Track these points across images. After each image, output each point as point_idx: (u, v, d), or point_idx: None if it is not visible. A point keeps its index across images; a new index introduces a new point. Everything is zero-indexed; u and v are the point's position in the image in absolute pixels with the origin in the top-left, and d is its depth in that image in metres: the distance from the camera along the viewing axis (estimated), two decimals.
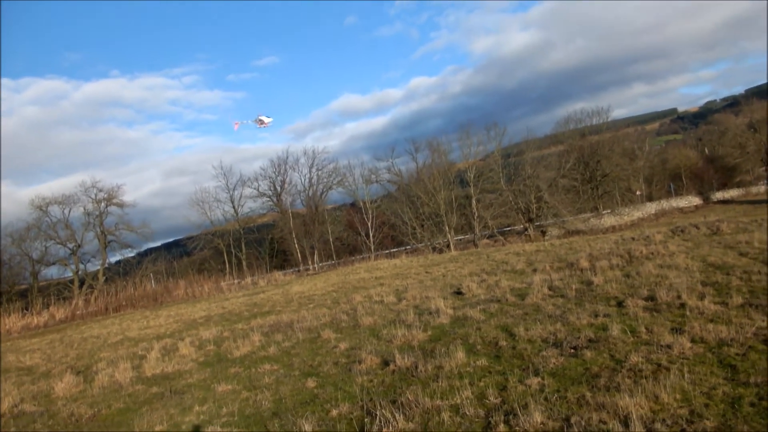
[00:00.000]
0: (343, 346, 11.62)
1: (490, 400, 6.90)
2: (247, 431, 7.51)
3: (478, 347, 9.59)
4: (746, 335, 7.69)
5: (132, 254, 60.18)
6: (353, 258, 53.48)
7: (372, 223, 58.28)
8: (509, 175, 60.63)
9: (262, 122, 37.14)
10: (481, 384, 7.56)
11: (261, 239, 67.58)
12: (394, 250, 55.73)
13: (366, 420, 6.92)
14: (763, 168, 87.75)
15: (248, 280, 46.16)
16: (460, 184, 59.99)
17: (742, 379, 6.28)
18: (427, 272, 24.76)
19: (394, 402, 7.32)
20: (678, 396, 6.07)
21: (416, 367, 8.83)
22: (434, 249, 50.84)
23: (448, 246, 51.54)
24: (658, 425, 5.44)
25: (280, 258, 65.63)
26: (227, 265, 61.51)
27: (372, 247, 57.30)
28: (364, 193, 62.92)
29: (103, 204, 56.55)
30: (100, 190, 56.25)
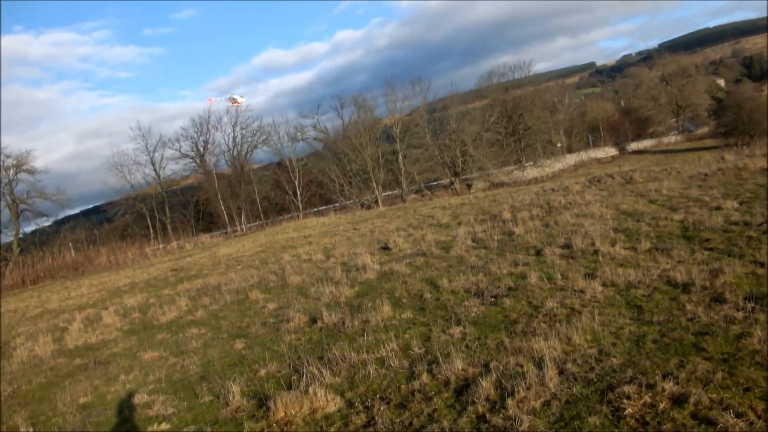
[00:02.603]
0: (271, 306, 11.62)
1: (414, 351, 7.10)
2: (174, 397, 7.45)
3: (404, 300, 9.80)
4: (652, 278, 8.18)
5: (48, 223, 57.66)
6: (281, 217, 53.08)
7: (299, 181, 57.76)
8: (435, 130, 61.12)
9: (235, 101, 35.76)
10: (407, 336, 7.77)
11: (186, 202, 65.75)
12: (323, 208, 55.64)
13: (293, 378, 6.99)
14: (674, 119, 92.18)
15: (174, 244, 45.13)
16: (387, 140, 60.12)
17: (646, 319, 6.71)
18: (354, 229, 24.90)
19: (321, 358, 7.43)
20: (588, 337, 6.43)
21: (343, 323, 8.96)
22: (362, 205, 51.05)
23: (376, 202, 51.88)
24: (569, 365, 5.76)
25: (206, 220, 64.25)
26: (151, 230, 59.75)
27: (300, 206, 56.95)
28: (291, 152, 62.16)
29: (12, 171, 53.43)
30: (8, 156, 53.03)
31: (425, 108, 61.87)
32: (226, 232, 52.97)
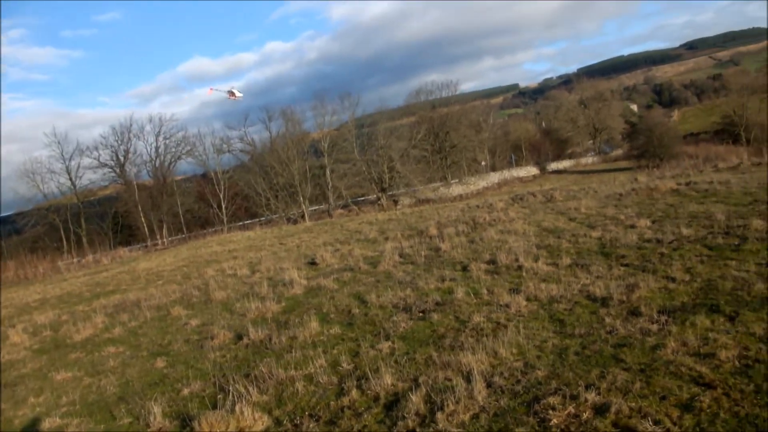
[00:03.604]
0: (194, 322, 11.28)
1: (343, 367, 7.05)
2: (89, 419, 7.08)
3: (332, 316, 9.74)
4: (573, 292, 8.48)
5: None
6: (205, 231, 51.82)
7: (224, 194, 56.62)
8: (363, 145, 61.41)
9: (233, 94, 34.93)
10: (335, 352, 7.70)
11: (103, 213, 62.78)
12: (248, 222, 54.64)
13: (219, 396, 6.79)
14: (591, 141, 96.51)
15: (90, 258, 43.08)
16: (315, 154, 59.94)
17: (568, 332, 6.94)
18: (281, 243, 24.61)
19: (247, 376, 7.26)
20: (514, 350, 6.58)
21: (270, 340, 8.80)
22: (289, 220, 50.54)
23: (303, 216, 51.48)
24: (497, 378, 5.87)
25: (125, 233, 61.66)
26: (65, 243, 56.74)
27: (225, 220, 55.77)
28: (216, 164, 60.84)
29: None
30: None
31: (354, 123, 62.14)
32: (146, 246, 51.13)
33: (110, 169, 63.05)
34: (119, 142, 61.94)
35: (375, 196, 58.07)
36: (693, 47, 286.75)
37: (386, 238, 18.68)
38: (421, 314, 8.76)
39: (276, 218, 52.57)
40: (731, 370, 5.18)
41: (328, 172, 56.15)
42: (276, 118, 64.52)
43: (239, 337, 9.39)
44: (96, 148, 61.46)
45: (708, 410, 4.58)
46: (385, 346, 7.51)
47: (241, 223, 53.47)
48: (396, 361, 6.86)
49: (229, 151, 66.05)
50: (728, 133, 75.69)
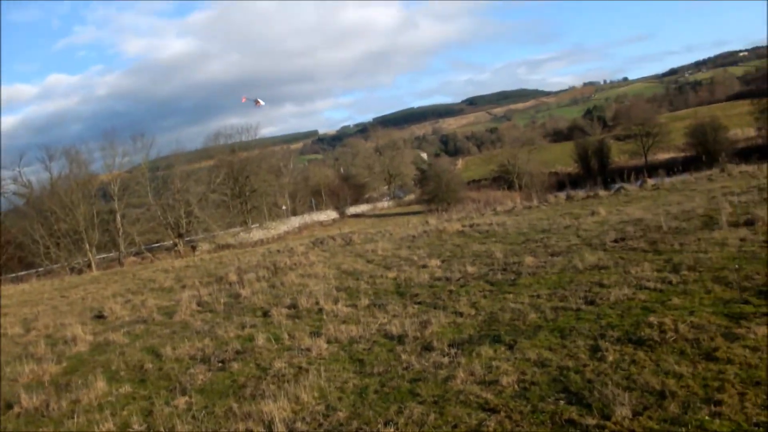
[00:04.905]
0: None
1: (134, 429, 6.51)
2: None
3: (122, 373, 8.98)
4: (371, 332, 8.76)
5: None
6: None
7: None
8: (158, 189, 58.28)
9: (258, 102, 38.84)
10: (125, 413, 7.09)
11: None
12: (23, 273, 48.52)
13: None
14: (386, 186, 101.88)
15: None
16: (104, 198, 55.48)
17: (368, 371, 7.12)
18: (63, 296, 22.21)
19: None
20: (316, 394, 6.58)
21: (47, 406, 7.82)
22: (73, 270, 45.89)
23: (89, 266, 47.10)
24: (299, 424, 5.81)
25: None
26: None
27: None
28: None
29: None
30: None
31: (148, 165, 58.80)
32: None
33: None
34: None
35: (171, 242, 55.16)
36: (473, 103, 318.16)
37: (183, 286, 17.79)
38: (220, 364, 8.43)
39: (57, 268, 47.41)
40: (512, 394, 5.68)
41: (118, 217, 52.22)
42: (58, 158, 58.57)
43: (9, 407, 8.21)
44: None
45: None
46: (181, 401, 7.09)
47: (13, 275, 47.36)
48: (194, 417, 6.51)
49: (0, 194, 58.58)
50: (504, 179, 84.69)
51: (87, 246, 48.49)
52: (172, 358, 9.26)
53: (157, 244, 57.14)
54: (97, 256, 50.09)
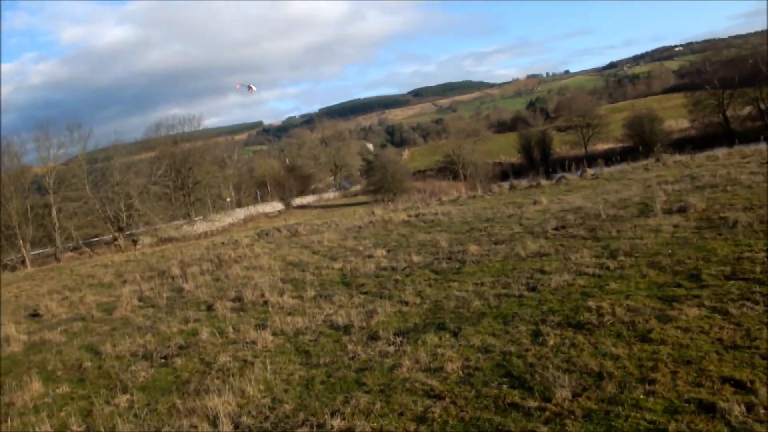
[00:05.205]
0: None
1: (73, 430, 6.31)
2: None
3: (59, 373, 8.70)
4: (317, 323, 8.74)
5: None
6: None
7: None
8: (96, 182, 56.38)
9: (251, 88, 40.82)
10: (63, 414, 6.87)
11: None
12: None
13: None
14: (333, 177, 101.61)
15: None
16: (38, 191, 53.31)
17: (314, 362, 7.10)
18: None
19: None
20: (262, 387, 6.53)
21: None
22: (5, 267, 44.05)
23: (23, 262, 45.29)
24: (244, 418, 5.75)
25: None
26: None
27: None
28: None
29: None
30: None
31: (85, 157, 56.74)
32: None
33: None
34: None
35: (111, 236, 53.55)
36: (419, 94, 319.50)
37: (124, 282, 17.31)
38: (163, 360, 8.27)
39: None
40: (457, 380, 5.76)
41: (54, 211, 50.31)
42: None
43: None
44: None
45: (439, 419, 5.02)
46: (122, 399, 6.92)
47: None
48: (135, 415, 6.36)
49: None
50: (449, 170, 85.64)
51: (20, 242, 46.55)
52: (113, 355, 9.01)
53: (96, 239, 55.40)
54: (32, 252, 48.20)
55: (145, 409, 6.50)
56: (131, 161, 60.41)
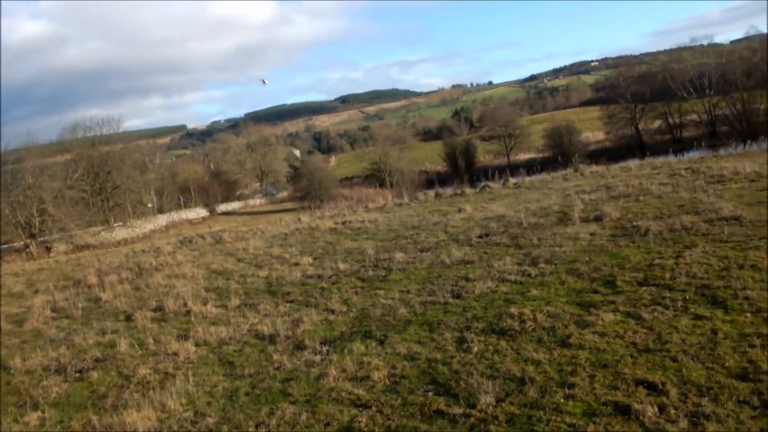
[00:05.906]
0: None
1: None
2: None
3: None
4: (242, 333, 8.59)
5: None
6: None
7: None
8: (6, 185, 53.31)
9: (264, 82, 48.46)
10: None
11: None
12: None
13: None
14: (259, 183, 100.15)
15: None
16: None
17: (238, 373, 6.97)
18: None
19: None
20: (184, 400, 6.35)
21: None
22: None
23: None
24: None
25: None
26: None
27: None
28: None
29: None
30: None
31: None
32: None
33: None
34: None
35: (22, 243, 50.73)
36: (346, 101, 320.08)
37: (36, 291, 16.43)
38: (78, 374, 7.91)
39: None
40: (383, 389, 5.79)
41: None
42: None
43: None
44: None
45: (366, 429, 5.04)
46: (33, 417, 6.57)
47: None
48: None
49: None
50: (376, 177, 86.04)
51: None
52: (22, 370, 8.54)
53: (5, 246, 52.28)
54: None
55: (58, 427, 6.21)
56: (45, 163, 57.40)
